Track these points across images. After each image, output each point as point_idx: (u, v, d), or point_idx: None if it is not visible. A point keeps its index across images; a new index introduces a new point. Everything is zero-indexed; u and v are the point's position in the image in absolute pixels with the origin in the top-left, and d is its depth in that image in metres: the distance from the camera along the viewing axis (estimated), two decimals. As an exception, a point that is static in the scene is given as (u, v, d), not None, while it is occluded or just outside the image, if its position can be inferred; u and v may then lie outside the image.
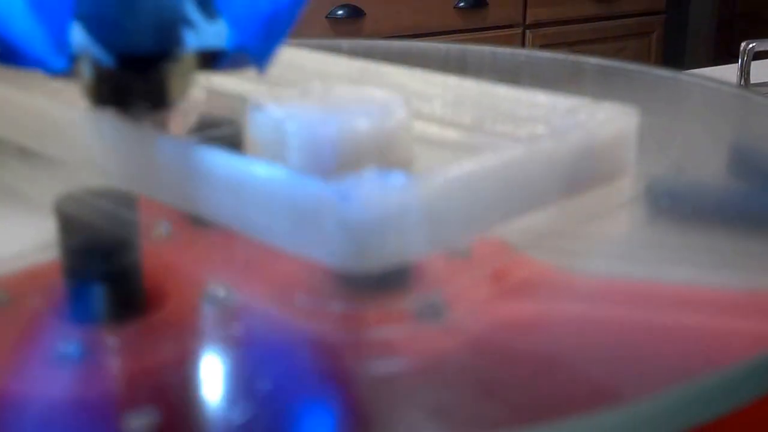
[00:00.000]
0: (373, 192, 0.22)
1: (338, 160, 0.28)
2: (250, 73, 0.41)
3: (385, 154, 0.29)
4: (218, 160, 0.26)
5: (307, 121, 0.28)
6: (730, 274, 0.27)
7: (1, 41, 0.26)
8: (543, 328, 0.25)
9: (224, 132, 0.33)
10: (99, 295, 0.27)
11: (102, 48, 0.27)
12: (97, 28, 0.27)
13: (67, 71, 0.27)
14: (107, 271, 0.28)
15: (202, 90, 0.42)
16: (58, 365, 0.23)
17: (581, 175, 0.28)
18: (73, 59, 0.27)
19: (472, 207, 0.24)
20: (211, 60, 0.29)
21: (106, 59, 0.27)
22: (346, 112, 0.29)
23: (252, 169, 0.25)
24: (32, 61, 0.26)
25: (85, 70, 0.28)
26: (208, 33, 0.29)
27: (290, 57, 0.41)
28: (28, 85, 0.33)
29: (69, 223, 0.29)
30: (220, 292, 0.26)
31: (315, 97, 0.31)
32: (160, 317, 0.26)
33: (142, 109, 0.29)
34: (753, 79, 0.84)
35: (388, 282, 0.25)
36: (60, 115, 0.31)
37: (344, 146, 0.28)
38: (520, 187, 0.26)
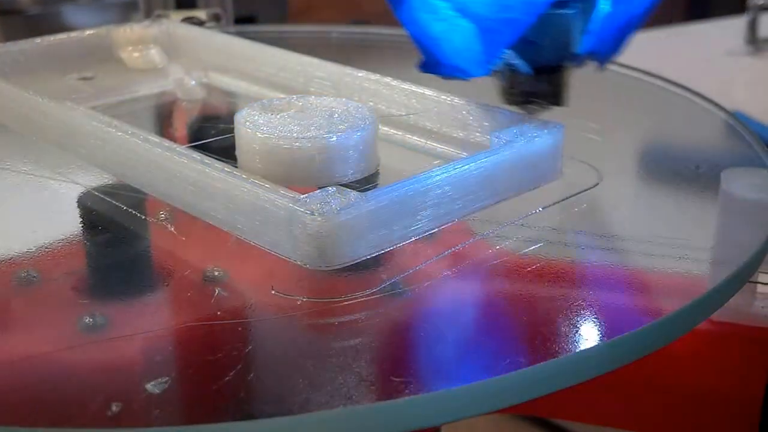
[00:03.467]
0: (331, 208, 0.28)
1: (312, 170, 0.34)
2: (244, 73, 0.47)
3: (353, 162, 0.34)
4: (218, 176, 0.31)
5: (287, 136, 0.34)
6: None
7: (428, 54, 0.35)
8: (486, 302, 0.31)
9: (222, 136, 0.40)
10: (118, 274, 0.33)
11: (521, 60, 0.36)
12: (521, 47, 0.36)
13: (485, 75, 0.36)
14: (125, 254, 0.34)
15: (203, 87, 0.48)
16: (84, 335, 0.29)
17: (513, 181, 0.34)
18: (490, 69, 0.36)
19: (413, 217, 0.30)
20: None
21: (524, 68, 0.36)
22: (320, 127, 0.34)
23: (242, 186, 0.30)
24: (453, 69, 0.35)
25: (502, 78, 0.37)
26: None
27: (283, 59, 0.47)
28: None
29: (88, 216, 0.36)
30: (217, 273, 0.32)
31: (296, 108, 0.37)
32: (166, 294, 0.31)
33: (543, 106, 0.37)
34: (764, 33, 0.89)
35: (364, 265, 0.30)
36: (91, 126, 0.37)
37: (318, 159, 0.33)
38: (456, 197, 0.32)
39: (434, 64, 0.36)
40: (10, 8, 1.18)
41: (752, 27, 0.90)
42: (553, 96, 0.37)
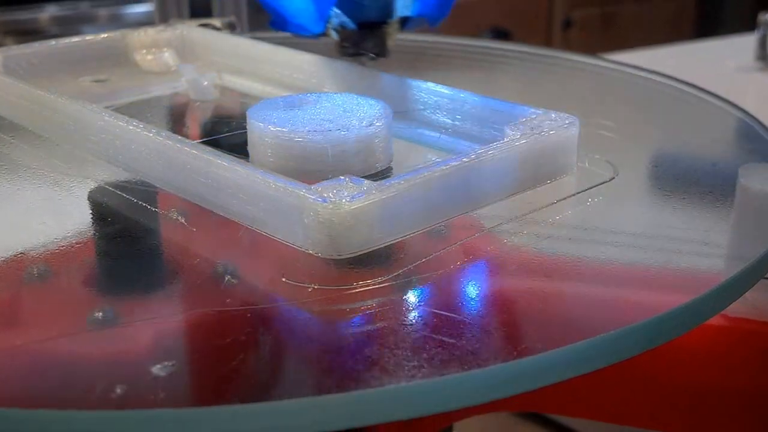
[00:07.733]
0: (343, 196, 0.28)
1: (324, 163, 0.33)
2: (258, 74, 0.47)
3: (366, 156, 0.34)
4: (228, 166, 0.31)
5: (299, 130, 0.33)
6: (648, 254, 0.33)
7: (276, 14, 0.44)
8: (498, 293, 0.31)
9: (234, 133, 0.40)
10: (126, 270, 0.33)
11: (347, 17, 0.43)
12: (347, 6, 0.43)
13: (322, 34, 0.43)
14: (137, 247, 0.34)
15: (216, 88, 0.48)
16: (94, 328, 0.29)
17: (526, 174, 0.33)
18: (325, 27, 0.43)
19: (425, 206, 0.30)
20: (402, 24, 0.44)
21: (350, 24, 0.43)
22: (333, 121, 0.34)
23: (253, 176, 0.30)
24: (297, 27, 0.44)
25: (334, 33, 0.44)
26: (400, 5, 0.44)
27: (296, 60, 0.47)
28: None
29: (100, 210, 0.36)
30: (228, 264, 0.32)
31: (310, 105, 0.36)
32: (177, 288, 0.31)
33: (370, 58, 0.44)
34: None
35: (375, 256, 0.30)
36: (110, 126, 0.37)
37: (331, 153, 0.33)
38: (467, 188, 0.31)
39: (282, 23, 0.44)
40: (29, 28, 1.20)
41: (763, 43, 0.90)
42: (378, 48, 0.44)
